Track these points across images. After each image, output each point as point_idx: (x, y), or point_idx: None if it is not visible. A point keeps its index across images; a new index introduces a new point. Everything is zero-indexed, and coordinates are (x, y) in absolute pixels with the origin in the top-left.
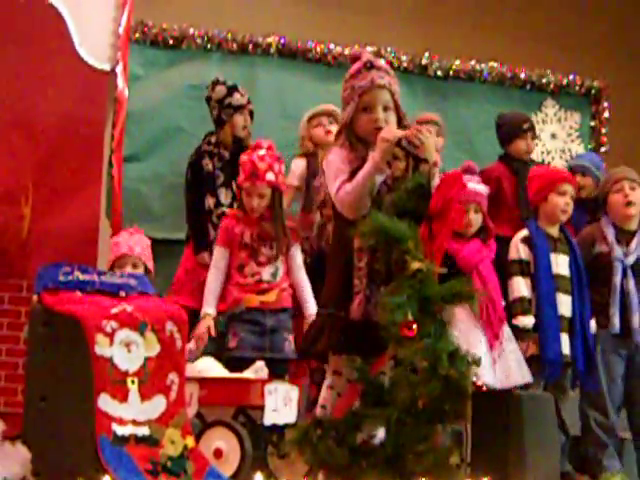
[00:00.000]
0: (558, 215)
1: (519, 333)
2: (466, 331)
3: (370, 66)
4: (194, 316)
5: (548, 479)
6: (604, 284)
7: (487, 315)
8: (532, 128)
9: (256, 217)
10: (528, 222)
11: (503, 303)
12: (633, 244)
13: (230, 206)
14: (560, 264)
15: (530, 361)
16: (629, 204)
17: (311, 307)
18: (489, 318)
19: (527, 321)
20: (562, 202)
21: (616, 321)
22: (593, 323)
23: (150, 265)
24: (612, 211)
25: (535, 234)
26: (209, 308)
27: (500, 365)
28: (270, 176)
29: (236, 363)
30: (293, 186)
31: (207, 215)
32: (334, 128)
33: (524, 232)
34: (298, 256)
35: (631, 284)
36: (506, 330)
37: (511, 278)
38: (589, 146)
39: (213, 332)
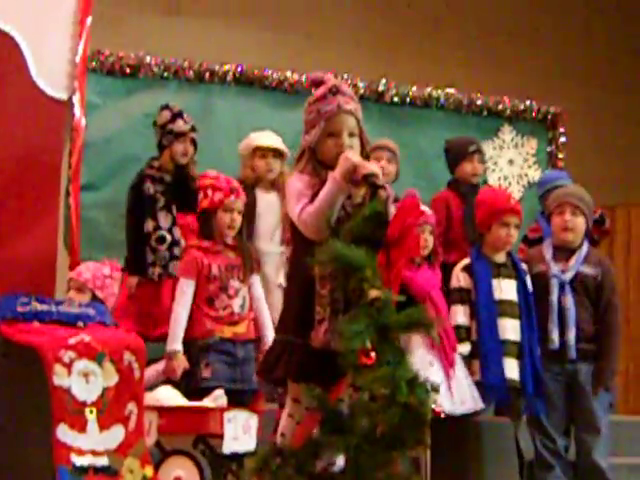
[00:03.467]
0: (500, 246)
1: None
2: (421, 358)
3: (336, 91)
4: None
5: None
6: (542, 303)
7: (441, 343)
8: (479, 151)
9: (222, 247)
10: (471, 249)
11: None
12: (572, 260)
13: (169, 230)
14: (504, 289)
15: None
16: (566, 230)
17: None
18: (443, 346)
19: (463, 348)
20: (504, 233)
21: (555, 337)
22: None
23: (101, 294)
24: (553, 232)
25: (476, 261)
26: (178, 344)
27: (457, 391)
28: (244, 197)
29: (209, 394)
30: None
31: (146, 238)
32: (277, 167)
33: (466, 260)
34: (258, 287)
35: (569, 300)
36: (458, 357)
37: (451, 306)
38: (546, 171)
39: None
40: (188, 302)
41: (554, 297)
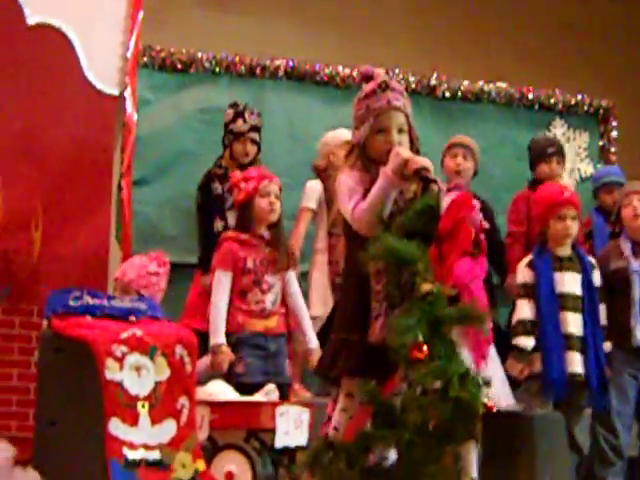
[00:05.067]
0: (561, 239)
1: (517, 353)
2: None
3: (385, 87)
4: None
5: None
6: (622, 299)
7: (474, 335)
8: (558, 152)
9: (258, 241)
10: (534, 246)
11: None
12: None
13: None
14: (567, 283)
15: (535, 381)
16: (636, 216)
17: (312, 340)
18: (476, 338)
19: (526, 342)
20: (562, 227)
21: (637, 333)
22: (608, 344)
23: (146, 293)
24: (626, 225)
25: (537, 256)
26: (221, 337)
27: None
28: (279, 183)
29: (244, 388)
30: (310, 209)
31: (216, 238)
32: None
33: (529, 257)
34: (294, 282)
35: None
36: (492, 351)
37: (515, 301)
38: (598, 165)
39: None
40: (226, 294)
41: (636, 293)
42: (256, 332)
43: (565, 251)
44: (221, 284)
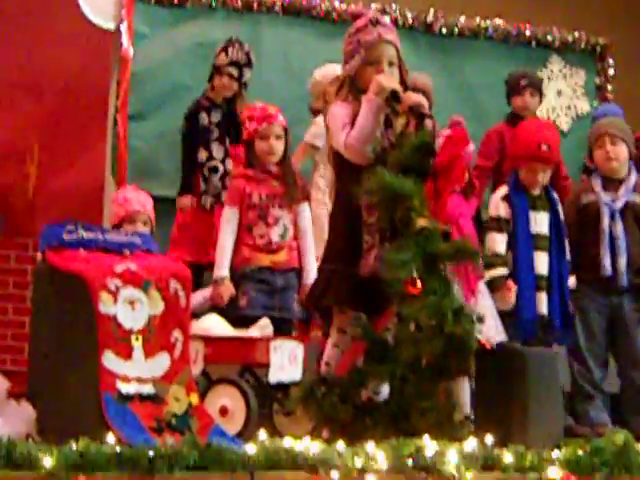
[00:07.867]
0: (530, 186)
1: (492, 285)
2: None
3: (376, 22)
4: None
5: (551, 434)
6: (593, 232)
7: (464, 270)
8: (532, 85)
9: (265, 176)
10: (508, 179)
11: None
12: (622, 190)
13: (222, 161)
14: (539, 222)
15: (506, 318)
16: (609, 159)
17: (310, 277)
18: (466, 273)
19: (495, 272)
20: (532, 178)
21: (607, 263)
22: (573, 279)
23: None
24: (597, 165)
25: (514, 191)
26: (224, 270)
27: None
28: (282, 120)
29: (245, 322)
30: (311, 144)
31: (199, 168)
32: None
33: (504, 189)
34: (305, 217)
35: (619, 228)
36: (482, 286)
37: (487, 234)
38: (594, 103)
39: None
40: (233, 229)
41: (605, 225)
42: (262, 266)
43: (536, 189)
44: (227, 220)
